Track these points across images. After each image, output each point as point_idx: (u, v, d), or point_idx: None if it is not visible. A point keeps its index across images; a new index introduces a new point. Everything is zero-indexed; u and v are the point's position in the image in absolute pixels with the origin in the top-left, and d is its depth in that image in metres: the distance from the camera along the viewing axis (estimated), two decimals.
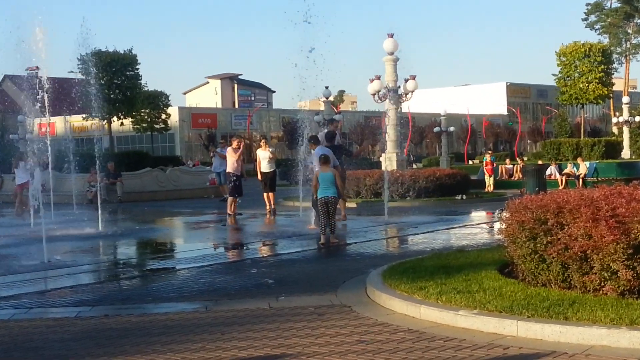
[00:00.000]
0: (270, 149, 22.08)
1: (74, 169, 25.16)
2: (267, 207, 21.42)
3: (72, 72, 70.69)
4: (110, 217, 22.01)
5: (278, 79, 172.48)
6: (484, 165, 32.14)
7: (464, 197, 25.02)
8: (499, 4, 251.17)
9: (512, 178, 33.35)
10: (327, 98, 45.28)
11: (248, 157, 38.06)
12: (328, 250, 13.70)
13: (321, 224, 14.05)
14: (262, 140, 23.46)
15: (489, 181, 30.96)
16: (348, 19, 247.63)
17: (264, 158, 21.44)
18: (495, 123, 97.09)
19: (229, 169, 20.85)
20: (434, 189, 24.67)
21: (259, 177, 21.55)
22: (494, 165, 32.74)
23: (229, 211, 20.19)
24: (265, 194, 21.57)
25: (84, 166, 29.78)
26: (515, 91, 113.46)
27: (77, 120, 76.11)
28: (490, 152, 40.10)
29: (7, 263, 13.06)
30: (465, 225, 17.78)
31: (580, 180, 30.49)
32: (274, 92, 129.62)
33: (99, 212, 18.04)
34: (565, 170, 32.39)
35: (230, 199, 20.50)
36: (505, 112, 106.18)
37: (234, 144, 21.38)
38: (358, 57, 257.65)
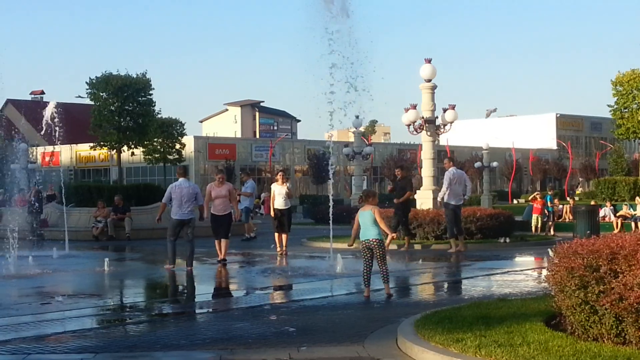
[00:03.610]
0: (287, 185, 21.62)
1: (78, 202, 25.47)
2: (278, 248, 21.21)
3: (79, 96, 71.64)
4: (117, 255, 22.13)
5: (303, 106, 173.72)
6: (542, 204, 31.40)
7: (508, 240, 24.87)
8: (548, 27, 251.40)
9: (561, 219, 33.11)
10: (357, 128, 45.27)
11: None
12: (356, 297, 13.65)
13: (364, 272, 13.29)
14: (280, 174, 22.08)
15: (537, 222, 30.68)
16: (383, 43, 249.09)
17: (279, 194, 21.17)
18: (543, 158, 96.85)
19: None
20: (474, 231, 24.54)
21: (272, 213, 21.36)
22: (547, 205, 32.18)
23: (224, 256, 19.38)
24: (276, 234, 21.43)
25: (90, 199, 30.09)
26: (566, 123, 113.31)
27: (84, 149, 77.15)
28: (551, 190, 38.95)
29: (2, 303, 13.20)
30: (508, 272, 17.67)
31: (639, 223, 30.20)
32: (299, 120, 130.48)
33: (106, 250, 18.15)
34: (621, 212, 32.11)
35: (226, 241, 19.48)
36: (555, 147, 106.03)
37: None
38: (393, 84, 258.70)
